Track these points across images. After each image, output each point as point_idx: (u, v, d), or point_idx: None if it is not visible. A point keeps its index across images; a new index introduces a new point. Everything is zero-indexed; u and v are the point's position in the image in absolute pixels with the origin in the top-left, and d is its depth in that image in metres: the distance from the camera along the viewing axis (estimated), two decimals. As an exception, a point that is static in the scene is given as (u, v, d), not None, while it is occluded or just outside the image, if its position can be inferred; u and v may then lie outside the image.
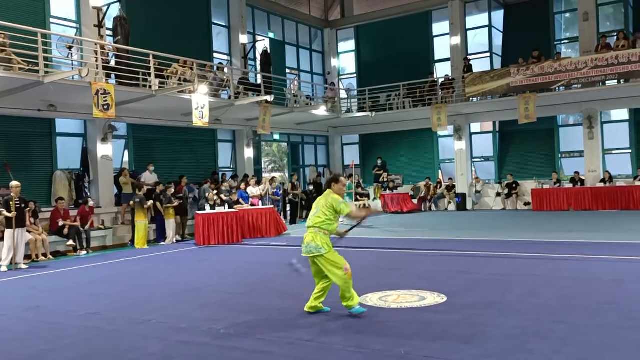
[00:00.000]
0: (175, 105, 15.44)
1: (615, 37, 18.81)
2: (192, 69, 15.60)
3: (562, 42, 22.10)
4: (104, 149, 15.12)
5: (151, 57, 14.15)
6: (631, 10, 20.50)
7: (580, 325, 5.35)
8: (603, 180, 18.91)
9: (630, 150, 19.68)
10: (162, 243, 14.65)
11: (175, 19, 18.28)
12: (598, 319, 5.56)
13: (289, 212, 19.70)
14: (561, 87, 18.64)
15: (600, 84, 18.17)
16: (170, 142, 17.77)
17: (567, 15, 22.11)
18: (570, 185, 19.36)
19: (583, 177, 19.46)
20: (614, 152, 20.01)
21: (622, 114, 20.12)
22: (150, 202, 14.43)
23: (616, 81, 18.01)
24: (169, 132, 17.40)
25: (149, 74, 14.28)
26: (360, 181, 22.25)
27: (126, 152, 16.66)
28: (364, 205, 22.33)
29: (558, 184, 19.60)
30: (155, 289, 8.48)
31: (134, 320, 6.43)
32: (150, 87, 14.32)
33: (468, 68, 21.04)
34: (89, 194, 14.66)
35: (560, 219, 16.13)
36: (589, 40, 19.80)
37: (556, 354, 4.59)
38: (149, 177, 15.51)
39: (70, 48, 14.01)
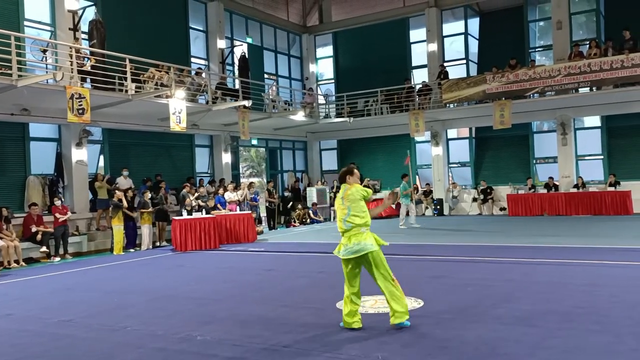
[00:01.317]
0: (151, 109, 15.33)
1: (588, 46, 19.21)
2: (168, 73, 15.50)
3: (537, 49, 22.49)
4: (78, 154, 14.93)
5: (127, 61, 14.04)
6: (603, 19, 20.97)
7: (553, 329, 5.44)
8: (576, 186, 19.27)
9: (602, 156, 20.10)
10: (131, 250, 14.38)
11: (152, 23, 18.16)
12: (571, 323, 5.65)
13: (263, 218, 19.70)
14: (535, 94, 18.96)
15: (573, 91, 18.52)
16: (147, 147, 17.63)
17: (541, 23, 22.53)
18: (545, 191, 19.69)
19: (557, 183, 19.81)
20: (586, 158, 20.41)
21: (594, 120, 20.54)
22: (125, 205, 14.23)
23: (588, 88, 18.39)
24: (145, 136, 17.26)
25: (125, 78, 14.15)
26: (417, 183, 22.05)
27: (101, 157, 16.49)
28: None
29: (533, 190, 19.91)
30: (131, 295, 8.38)
31: (109, 328, 6.35)
32: (126, 91, 14.19)
33: (444, 75, 21.28)
34: (63, 199, 14.44)
35: (535, 224, 16.36)
36: (562, 48, 20.19)
37: (530, 357, 4.66)
38: (123, 182, 15.35)
39: (44, 51, 13.82)
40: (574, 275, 8.39)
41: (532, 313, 6.12)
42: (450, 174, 22.71)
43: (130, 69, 14.12)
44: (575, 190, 19.16)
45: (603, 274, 8.29)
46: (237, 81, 19.77)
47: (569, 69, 18.11)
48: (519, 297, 7.01)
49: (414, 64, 23.99)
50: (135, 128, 16.60)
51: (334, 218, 21.90)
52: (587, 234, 13.69)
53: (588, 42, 19.48)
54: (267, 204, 19.46)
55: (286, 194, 21.42)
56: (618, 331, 5.28)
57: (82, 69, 13.91)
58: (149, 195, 14.85)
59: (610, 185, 18.71)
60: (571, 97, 18.65)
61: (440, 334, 5.45)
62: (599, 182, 19.65)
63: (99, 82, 13.95)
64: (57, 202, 13.59)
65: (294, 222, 20.07)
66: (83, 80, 14.02)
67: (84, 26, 15.29)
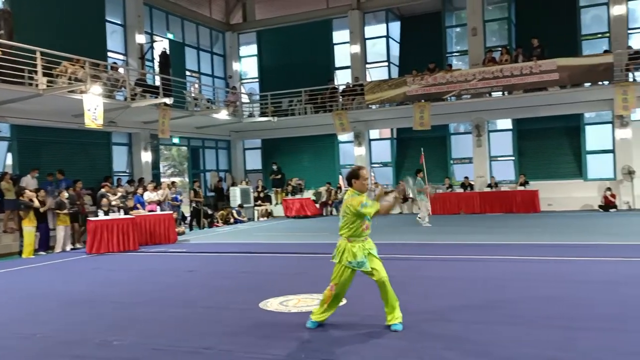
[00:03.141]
0: (65, 105, 14.60)
1: (500, 52, 20.21)
2: (83, 67, 14.82)
3: (453, 54, 23.39)
4: (-17, 152, 13.97)
5: (38, 54, 13.29)
6: (514, 27, 22.13)
7: (469, 323, 5.67)
8: (489, 185, 20.23)
9: (513, 157, 21.21)
10: (42, 253, 13.67)
11: (65, 14, 17.29)
12: (485, 317, 5.92)
13: (188, 218, 19.30)
14: (452, 97, 19.71)
15: (487, 95, 19.43)
16: (60, 144, 16.79)
17: (458, 29, 23.44)
18: (461, 190, 20.53)
19: (472, 182, 20.71)
20: (499, 158, 21.46)
21: (507, 123, 21.64)
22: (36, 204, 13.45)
23: (501, 93, 19.35)
24: (58, 134, 16.43)
25: (36, 72, 13.39)
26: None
27: (9, 155, 15.51)
28: (266, 210, 22.33)
29: (450, 189, 20.70)
30: (42, 301, 7.93)
31: (19, 335, 5.99)
32: (36, 85, 13.43)
33: (358, 83, 21.71)
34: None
35: (452, 222, 17.00)
36: (477, 53, 21.12)
37: (447, 351, 4.84)
38: (30, 181, 14.51)
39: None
40: (487, 270, 8.79)
41: (450, 308, 6.35)
42: (372, 174, 23.16)
43: (42, 62, 13.37)
44: (488, 189, 20.12)
45: (514, 270, 8.75)
46: (157, 78, 19.21)
47: (483, 73, 18.97)
48: (436, 293, 7.26)
49: (337, 65, 24.28)
50: (47, 124, 15.75)
51: (258, 218, 21.79)
52: (499, 231, 14.37)
53: (500, 49, 20.49)
54: (194, 204, 19.02)
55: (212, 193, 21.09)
56: (529, 323, 5.58)
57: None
58: (65, 195, 14.13)
59: (521, 184, 19.79)
60: (485, 100, 19.55)
61: (362, 331, 5.55)
62: (510, 182, 20.73)
63: (6, 76, 13.08)
64: None
65: (217, 222, 19.76)
66: (-12, 73, 13.11)
67: (-10, 16, 14.30)
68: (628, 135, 18.90)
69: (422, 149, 18.27)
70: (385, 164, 23.31)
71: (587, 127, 20.26)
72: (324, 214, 22.25)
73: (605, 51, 18.93)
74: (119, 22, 19.88)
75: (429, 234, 14.02)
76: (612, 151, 19.45)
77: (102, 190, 15.27)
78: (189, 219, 19.42)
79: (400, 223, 17.71)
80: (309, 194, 23.00)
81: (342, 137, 22.48)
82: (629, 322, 5.49)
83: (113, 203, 14.80)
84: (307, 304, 6.82)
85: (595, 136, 20.12)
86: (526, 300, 6.56)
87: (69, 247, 14.19)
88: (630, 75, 17.85)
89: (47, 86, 13.68)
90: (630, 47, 18.62)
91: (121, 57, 19.81)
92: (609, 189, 18.67)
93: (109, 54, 19.23)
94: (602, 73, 17.70)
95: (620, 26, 19.54)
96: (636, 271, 8.11)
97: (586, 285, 7.25)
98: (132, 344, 5.46)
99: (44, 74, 13.59)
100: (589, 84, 18.33)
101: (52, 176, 15.35)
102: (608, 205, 18.48)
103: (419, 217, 16.61)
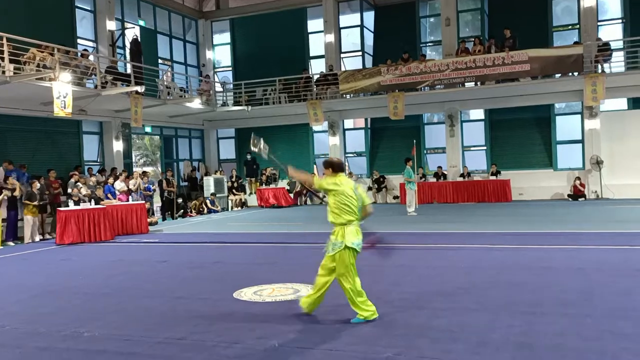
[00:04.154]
0: (33, 93, 14.27)
1: (473, 43, 20.37)
2: (52, 54, 14.49)
3: (427, 44, 23.50)
4: (-53, 140, 13.60)
5: (4, 39, 12.95)
6: (487, 18, 22.31)
7: (438, 310, 5.77)
8: (462, 175, 20.47)
9: (485, 147, 21.47)
10: (10, 244, 13.42)
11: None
12: (454, 304, 6.02)
13: (157, 207, 19.10)
14: (426, 87, 19.82)
15: (460, 85, 19.60)
16: (28, 133, 16.44)
17: (432, 19, 23.55)
18: (434, 180, 20.73)
19: (445, 172, 20.93)
20: (471, 148, 21.71)
21: (479, 113, 21.88)
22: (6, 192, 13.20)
23: (474, 83, 19.53)
24: (26, 122, 16.06)
25: (2, 59, 13.05)
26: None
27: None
28: (240, 199, 22.26)
29: (423, 179, 20.88)
30: (10, 292, 7.79)
31: (-17, 328, 5.88)
32: (3, 72, 13.10)
33: (332, 73, 21.67)
34: None
35: (425, 211, 17.15)
36: (450, 44, 21.25)
37: (419, 338, 4.91)
38: (1, 172, 14.22)
39: None
40: (457, 258, 8.93)
41: (420, 295, 6.45)
42: (346, 163, 23.23)
43: (8, 48, 13.03)
44: (461, 179, 20.36)
45: (482, 257, 8.90)
46: (128, 65, 18.88)
47: (456, 64, 19.10)
48: (408, 280, 7.36)
49: (311, 54, 24.18)
50: (15, 113, 15.38)
51: (232, 208, 21.69)
52: (471, 220, 14.58)
53: (473, 39, 20.66)
54: (166, 194, 18.82)
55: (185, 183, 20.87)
56: (495, 309, 5.70)
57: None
58: (37, 185, 13.84)
59: (492, 174, 20.08)
60: (458, 91, 19.72)
61: (335, 319, 5.59)
62: (483, 172, 21.01)
63: (-29, 62, 12.77)
64: None
65: (191, 212, 19.61)
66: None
67: (-47, -1, 13.88)
68: (596, 125, 19.29)
69: (414, 140, 18.49)
70: (359, 154, 23.39)
71: (557, 118, 20.62)
72: (298, 203, 22.27)
73: (576, 43, 19.24)
74: (89, 8, 19.44)
75: (401, 223, 14.14)
76: (582, 141, 19.85)
77: (72, 179, 15.02)
78: (156, 207, 19.20)
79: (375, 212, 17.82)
80: (283, 184, 22.98)
81: (316, 126, 22.45)
82: (593, 307, 5.64)
83: (83, 193, 14.57)
84: (282, 293, 6.84)
85: (565, 127, 20.50)
86: (494, 287, 6.68)
87: (38, 238, 13.96)
88: (600, 66, 18.20)
89: (14, 73, 13.35)
90: (599, 39, 18.95)
91: (91, 44, 19.40)
92: (578, 178, 19.05)
93: (79, 40, 18.83)
94: (572, 64, 18.00)
95: (590, 18, 19.85)
96: (602, 258, 8.32)
97: (553, 272, 7.41)
98: (103, 335, 5.41)
99: (11, 61, 13.26)
100: (559, 75, 18.62)
101: (24, 167, 15.04)
102: (577, 194, 18.87)
103: (413, 212, 16.44)
